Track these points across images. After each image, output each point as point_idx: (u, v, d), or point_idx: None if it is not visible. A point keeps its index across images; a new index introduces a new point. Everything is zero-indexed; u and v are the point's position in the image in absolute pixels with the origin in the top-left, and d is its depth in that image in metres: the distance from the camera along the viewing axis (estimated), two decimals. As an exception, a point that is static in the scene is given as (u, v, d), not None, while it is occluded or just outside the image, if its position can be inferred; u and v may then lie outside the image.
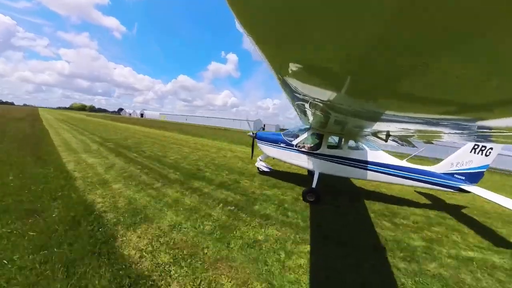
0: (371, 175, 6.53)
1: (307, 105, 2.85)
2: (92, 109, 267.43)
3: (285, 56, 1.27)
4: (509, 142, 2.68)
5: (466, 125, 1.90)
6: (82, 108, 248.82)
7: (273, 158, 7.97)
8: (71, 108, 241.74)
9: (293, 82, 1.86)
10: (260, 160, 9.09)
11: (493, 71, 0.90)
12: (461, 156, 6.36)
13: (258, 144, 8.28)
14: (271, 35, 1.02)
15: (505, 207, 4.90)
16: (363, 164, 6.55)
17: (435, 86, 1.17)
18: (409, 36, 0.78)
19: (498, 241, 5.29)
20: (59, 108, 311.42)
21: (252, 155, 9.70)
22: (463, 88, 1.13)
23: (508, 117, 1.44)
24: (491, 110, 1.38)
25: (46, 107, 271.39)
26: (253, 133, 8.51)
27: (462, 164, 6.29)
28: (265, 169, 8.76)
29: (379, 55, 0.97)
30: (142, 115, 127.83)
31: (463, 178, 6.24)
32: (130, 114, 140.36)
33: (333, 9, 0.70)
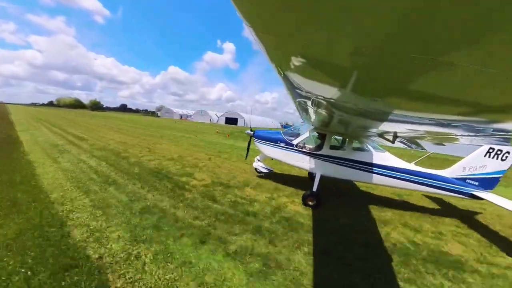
0: (376, 178, 6.53)
1: (309, 103, 2.84)
2: (96, 105, 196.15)
3: (287, 49, 1.25)
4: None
5: (480, 127, 1.91)
6: (77, 104, 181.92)
7: (272, 159, 7.96)
8: (57, 106, 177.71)
9: (295, 78, 1.85)
10: (258, 160, 9.05)
11: (510, 70, 0.90)
12: (474, 160, 6.35)
13: (255, 143, 8.26)
14: (273, 25, 1.01)
15: None
16: (368, 167, 6.56)
17: (448, 84, 1.16)
18: (422, 31, 0.77)
19: None
20: (34, 104, 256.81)
21: (246, 156, 9.66)
22: (478, 88, 1.13)
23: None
24: (507, 112, 1.39)
25: (17, 103, 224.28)
26: (251, 131, 8.48)
27: (476, 169, 6.29)
28: (264, 170, 8.74)
29: (389, 50, 0.96)
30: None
31: (476, 183, 6.24)
32: (181, 117, 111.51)
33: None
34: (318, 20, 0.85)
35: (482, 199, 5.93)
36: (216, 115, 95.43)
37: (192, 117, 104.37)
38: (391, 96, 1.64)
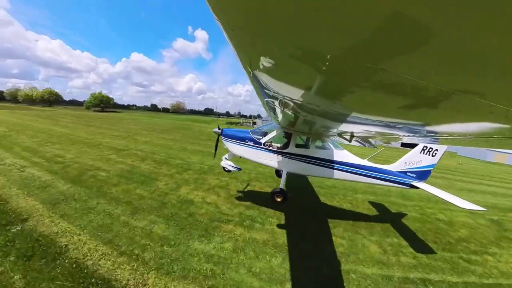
0: (337, 174, 7.17)
1: (276, 103, 2.95)
2: (56, 100, 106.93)
3: (256, 48, 1.28)
4: (450, 144, 3.30)
5: (417, 129, 2.27)
6: (25, 98, 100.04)
7: (240, 157, 7.99)
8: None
9: (264, 78, 1.90)
10: (226, 159, 8.98)
11: (435, 82, 1.09)
12: (412, 156, 7.55)
13: (223, 142, 8.18)
14: (243, 23, 1.01)
15: (448, 201, 6.07)
16: (330, 164, 7.15)
17: (390, 91, 1.36)
18: (367, 44, 0.89)
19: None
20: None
21: (215, 154, 9.51)
22: (413, 96, 1.34)
23: (448, 124, 1.78)
24: (435, 117, 1.68)
25: None
26: (219, 129, 8.35)
27: (413, 164, 7.48)
28: (232, 169, 8.71)
29: (344, 59, 1.07)
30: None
31: (414, 176, 7.43)
32: (254, 124, 72.01)
33: (310, 9, 0.75)
34: (287, 23, 0.89)
35: (418, 188, 7.05)
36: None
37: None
38: (347, 100, 1.82)
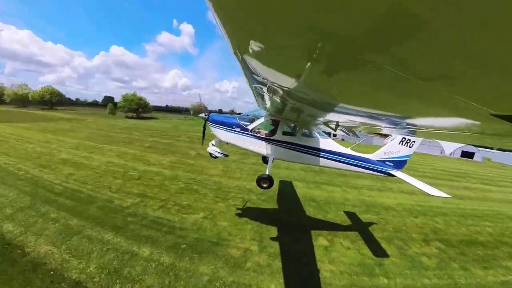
0: (322, 161, 7.44)
1: (265, 89, 2.92)
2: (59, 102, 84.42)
3: (247, 31, 1.24)
4: (427, 137, 3.52)
5: (397, 121, 2.38)
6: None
7: (227, 143, 7.95)
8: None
9: (253, 62, 1.86)
10: (213, 145, 8.90)
11: (414, 77, 1.14)
12: (392, 146, 7.99)
13: (210, 128, 8.05)
14: (234, 4, 0.98)
15: (420, 189, 6.58)
16: (316, 151, 7.36)
17: (375, 83, 1.40)
18: (352, 34, 0.90)
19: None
20: None
21: (202, 141, 9.38)
22: (393, 88, 1.39)
23: (425, 117, 1.88)
24: (414, 111, 1.77)
25: None
26: (205, 115, 8.18)
27: (392, 153, 7.94)
28: (219, 155, 8.69)
29: (332, 49, 1.08)
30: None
31: (392, 164, 7.91)
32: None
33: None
34: (280, 7, 0.87)
35: (395, 176, 7.54)
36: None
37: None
38: (333, 89, 1.85)
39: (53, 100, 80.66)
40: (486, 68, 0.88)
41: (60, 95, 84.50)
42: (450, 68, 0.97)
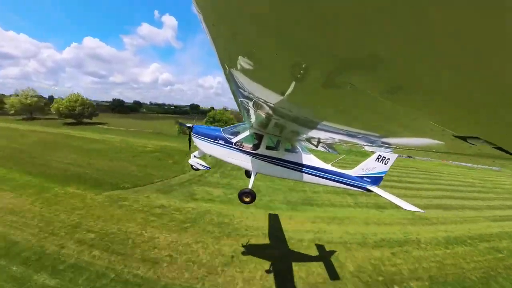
0: (304, 177, 7.54)
1: (250, 104, 2.99)
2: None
3: (236, 47, 1.28)
4: (402, 153, 3.77)
5: (374, 140, 2.55)
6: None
7: (210, 156, 7.80)
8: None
9: (240, 77, 1.91)
10: (195, 156, 8.67)
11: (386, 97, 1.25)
12: (368, 163, 8.41)
13: (194, 139, 7.90)
14: (226, 20, 1.00)
15: (397, 204, 6.90)
16: (298, 167, 7.47)
17: (353, 104, 1.50)
18: (333, 58, 0.97)
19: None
20: None
21: (190, 147, 9.02)
22: (369, 109, 1.51)
23: (398, 137, 2.04)
24: (388, 131, 1.91)
25: None
26: (190, 126, 8.03)
27: (369, 170, 8.34)
28: (201, 168, 8.45)
29: (316, 68, 1.15)
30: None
31: (369, 180, 8.26)
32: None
33: (291, 19, 0.78)
34: (267, 28, 0.92)
35: (372, 191, 7.86)
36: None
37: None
38: (315, 107, 1.94)
39: (85, 113, 60.50)
40: (447, 100, 0.99)
41: (92, 105, 63.55)
42: (414, 99, 1.08)
